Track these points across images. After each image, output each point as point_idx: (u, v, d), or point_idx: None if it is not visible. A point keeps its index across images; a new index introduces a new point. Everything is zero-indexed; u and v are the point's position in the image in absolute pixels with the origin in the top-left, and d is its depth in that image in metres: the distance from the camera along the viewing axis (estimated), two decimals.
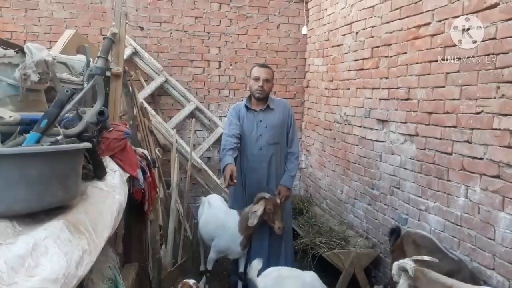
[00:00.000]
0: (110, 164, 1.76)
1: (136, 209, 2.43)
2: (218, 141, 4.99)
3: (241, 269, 3.36)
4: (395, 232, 2.89)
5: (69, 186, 1.16)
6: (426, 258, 2.24)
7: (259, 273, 2.75)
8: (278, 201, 3.12)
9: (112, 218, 1.38)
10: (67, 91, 1.21)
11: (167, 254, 3.44)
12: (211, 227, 3.41)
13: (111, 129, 1.85)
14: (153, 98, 4.95)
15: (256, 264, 2.80)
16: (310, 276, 2.68)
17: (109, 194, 1.49)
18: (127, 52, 4.62)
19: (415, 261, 2.17)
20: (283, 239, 3.32)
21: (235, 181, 2.93)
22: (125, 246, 2.38)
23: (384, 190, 3.46)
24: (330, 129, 4.53)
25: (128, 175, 1.91)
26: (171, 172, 4.15)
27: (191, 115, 5.00)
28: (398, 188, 3.26)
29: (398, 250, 2.75)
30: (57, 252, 0.95)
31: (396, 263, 2.20)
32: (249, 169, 3.31)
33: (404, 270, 2.14)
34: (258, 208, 3.04)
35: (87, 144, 1.23)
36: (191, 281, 2.70)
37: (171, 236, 3.54)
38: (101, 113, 1.47)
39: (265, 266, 2.88)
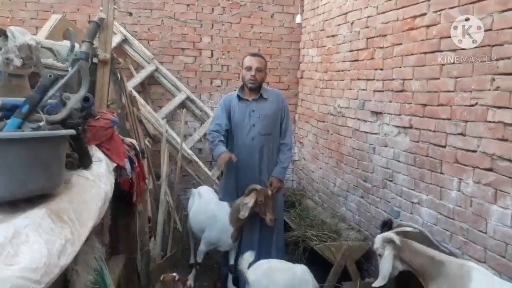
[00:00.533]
0: (96, 153, 1.74)
1: (124, 200, 2.41)
2: None
3: (232, 262, 3.36)
4: (386, 225, 2.91)
5: (52, 174, 1.15)
6: (408, 228, 2.30)
7: (249, 266, 2.76)
8: (270, 192, 3.12)
9: (97, 208, 1.37)
10: (50, 76, 1.19)
11: (156, 246, 3.43)
12: (201, 218, 3.41)
13: (98, 117, 1.83)
14: (143, 87, 4.91)
15: (248, 256, 2.81)
16: (301, 269, 2.70)
17: (95, 184, 1.48)
18: (117, 39, 4.57)
19: (398, 234, 2.24)
20: (274, 231, 3.33)
21: (234, 159, 3.06)
22: (112, 237, 2.37)
23: (377, 182, 3.48)
24: (324, 121, 4.54)
25: (115, 164, 1.89)
26: (161, 163, 4.13)
27: (182, 105, 4.97)
28: (391, 181, 3.28)
29: None
30: (38, 240, 0.94)
31: (379, 235, 2.26)
32: (241, 160, 3.31)
33: (389, 241, 2.19)
34: (249, 200, 3.04)
35: (71, 131, 1.21)
36: (174, 274, 2.72)
37: (160, 228, 3.54)
38: (86, 99, 1.45)
39: (256, 258, 2.89)
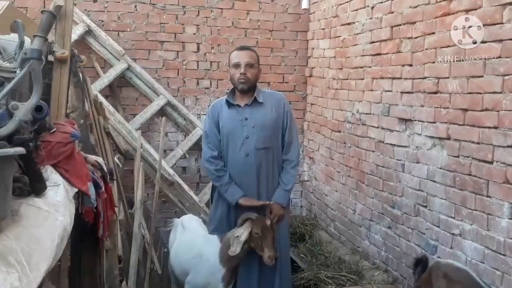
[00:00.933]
0: (52, 175, 1.76)
1: (87, 235, 2.41)
2: (195, 146, 4.99)
3: None
4: (421, 263, 2.89)
5: None
6: None
7: None
8: (269, 222, 3.12)
9: (53, 246, 1.37)
10: None
11: None
12: (185, 257, 3.39)
13: (54, 130, 1.84)
14: (111, 91, 4.93)
15: None
16: None
17: (50, 215, 1.48)
18: (78, 31, 4.61)
19: None
20: (277, 272, 3.31)
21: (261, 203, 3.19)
22: (72, 283, 2.37)
23: (408, 209, 3.48)
24: (339, 131, 4.55)
25: (76, 190, 1.90)
26: (134, 186, 4.13)
27: (161, 112, 4.99)
28: (425, 206, 3.28)
29: (425, 285, 2.76)
30: None
31: None
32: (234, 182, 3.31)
33: None
34: (242, 232, 3.03)
35: (20, 149, 1.21)
36: None
37: (134, 269, 3.52)
38: (38, 108, 1.46)
39: None
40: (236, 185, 3.24)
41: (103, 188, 2.25)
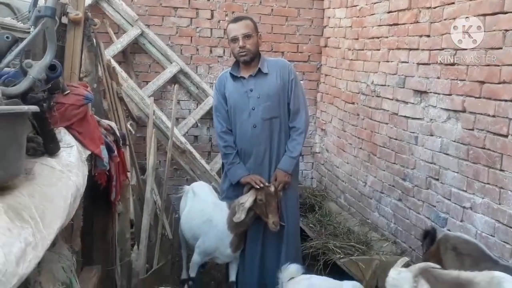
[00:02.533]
0: (65, 137, 1.77)
1: (100, 198, 2.45)
2: (207, 115, 4.99)
3: (232, 278, 3.40)
4: (429, 235, 2.91)
5: (9, 161, 1.16)
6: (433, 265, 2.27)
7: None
8: (273, 189, 3.14)
9: (66, 205, 1.39)
10: (7, 38, 1.20)
11: (139, 256, 3.48)
12: (195, 223, 3.44)
13: (67, 92, 1.85)
14: (124, 57, 4.92)
15: (293, 270, 2.87)
16: (353, 286, 2.72)
17: (63, 175, 1.50)
18: None
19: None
20: (283, 239, 3.34)
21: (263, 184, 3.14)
22: (85, 244, 2.41)
23: (419, 181, 3.47)
24: (353, 103, 4.52)
25: (89, 152, 1.92)
26: (146, 153, 4.16)
27: (174, 80, 4.98)
28: (437, 179, 3.27)
29: (433, 258, 2.76)
30: None
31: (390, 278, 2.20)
32: (244, 154, 3.32)
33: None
34: (247, 199, 3.07)
35: (33, 107, 1.22)
36: None
37: (145, 234, 3.58)
38: (52, 67, 1.46)
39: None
40: (241, 165, 3.30)
41: (115, 152, 2.27)
